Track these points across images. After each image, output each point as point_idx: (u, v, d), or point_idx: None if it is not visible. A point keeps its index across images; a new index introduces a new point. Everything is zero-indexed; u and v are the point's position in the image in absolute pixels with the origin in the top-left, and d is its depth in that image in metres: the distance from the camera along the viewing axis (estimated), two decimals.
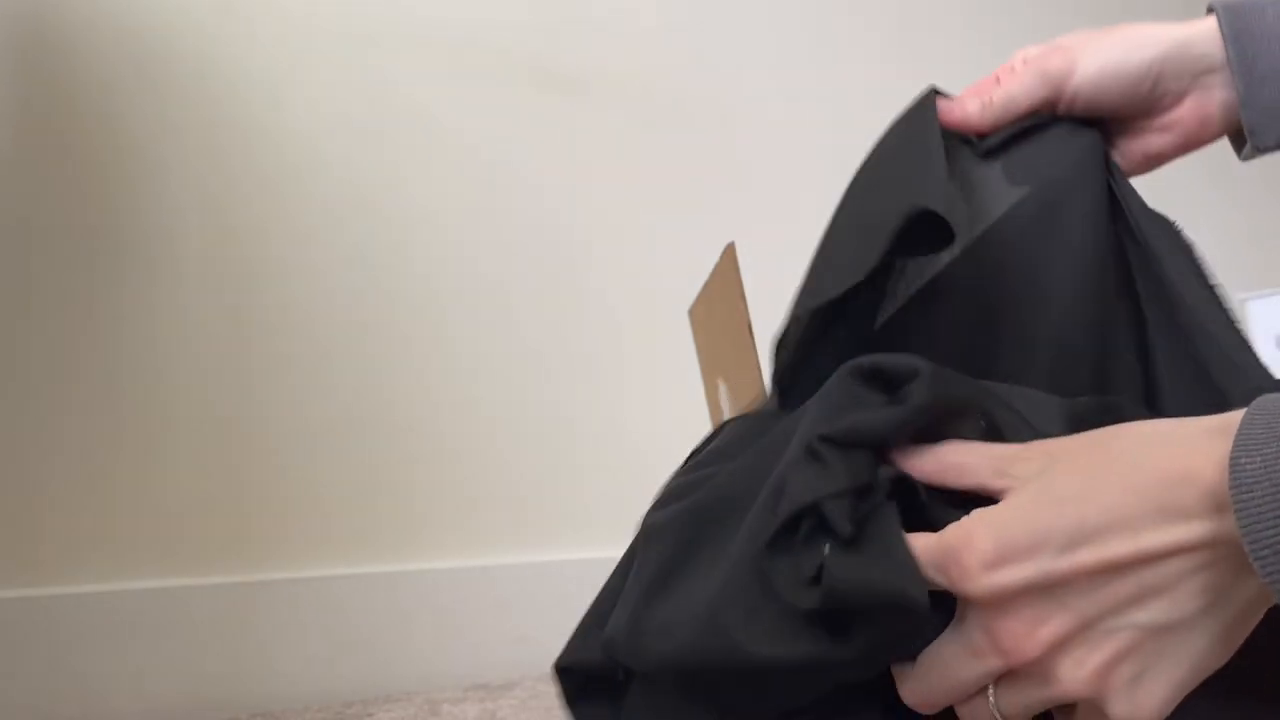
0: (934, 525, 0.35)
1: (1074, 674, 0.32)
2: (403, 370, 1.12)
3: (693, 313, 0.70)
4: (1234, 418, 0.30)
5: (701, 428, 0.50)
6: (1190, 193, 2.16)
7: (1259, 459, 0.29)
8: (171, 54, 1.02)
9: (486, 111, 1.21)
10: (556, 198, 1.25)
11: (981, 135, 0.50)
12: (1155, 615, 0.32)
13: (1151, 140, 0.52)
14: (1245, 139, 0.51)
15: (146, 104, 1.01)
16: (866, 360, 0.38)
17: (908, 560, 0.33)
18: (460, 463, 1.14)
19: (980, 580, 0.32)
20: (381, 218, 1.12)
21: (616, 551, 0.42)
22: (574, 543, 1.20)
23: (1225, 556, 0.31)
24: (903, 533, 0.34)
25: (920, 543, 0.34)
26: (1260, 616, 0.32)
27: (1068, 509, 0.32)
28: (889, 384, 0.38)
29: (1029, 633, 0.32)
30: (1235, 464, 0.29)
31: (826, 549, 0.34)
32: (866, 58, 1.57)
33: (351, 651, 1.04)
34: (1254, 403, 0.30)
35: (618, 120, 1.31)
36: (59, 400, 0.94)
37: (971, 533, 0.33)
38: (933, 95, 0.49)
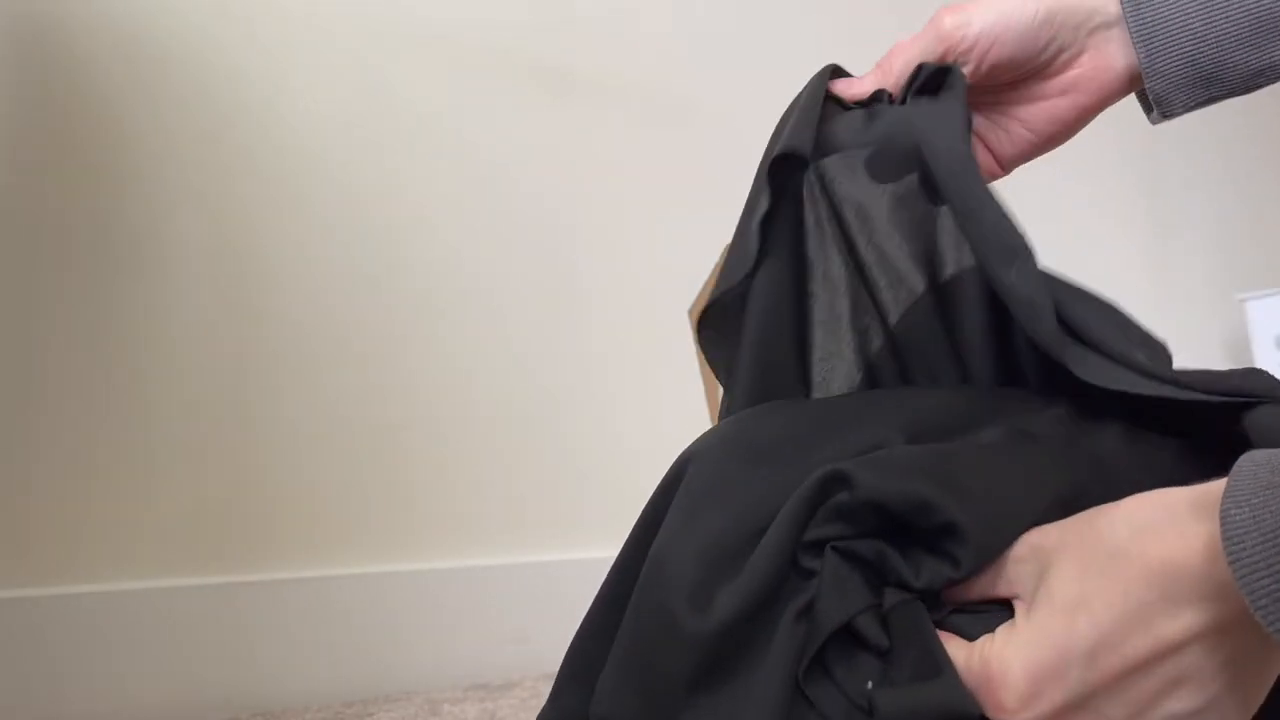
0: (950, 629, 0.36)
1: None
2: (405, 370, 1.12)
3: (692, 313, 0.71)
4: (1213, 490, 0.31)
5: (700, 427, 0.50)
6: (1190, 193, 2.16)
7: (1247, 510, 0.29)
8: (170, 55, 1.03)
9: (486, 112, 1.21)
10: (555, 197, 1.25)
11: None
12: (1186, 703, 0.32)
13: (1056, 105, 0.51)
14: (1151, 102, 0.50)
15: (145, 105, 1.01)
16: (879, 503, 0.36)
17: (954, 676, 0.34)
18: (460, 463, 1.14)
19: (1020, 716, 0.33)
20: (380, 218, 1.12)
21: (616, 551, 0.42)
22: (574, 543, 1.20)
23: (1238, 632, 0.31)
24: (939, 638, 0.35)
25: (957, 656, 0.34)
26: (1278, 669, 0.33)
27: (1081, 618, 0.32)
28: (898, 523, 0.36)
29: None
30: (1225, 516, 0.30)
31: (869, 685, 0.34)
32: (868, 60, 1.56)
33: (351, 651, 1.04)
34: (1241, 458, 0.31)
35: (617, 120, 1.31)
36: (53, 400, 0.94)
37: (1003, 665, 0.33)
38: (827, 70, 0.49)
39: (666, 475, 0.42)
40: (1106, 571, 0.32)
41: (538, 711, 0.42)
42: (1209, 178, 2.09)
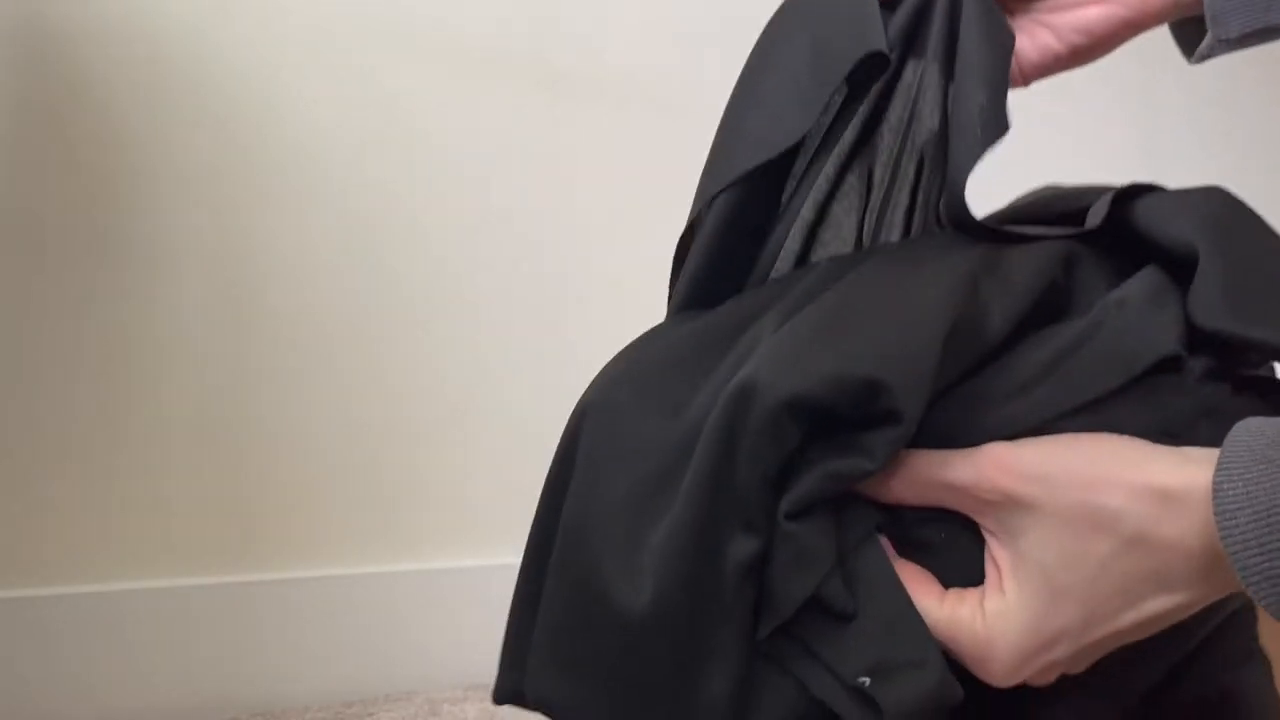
0: (917, 543, 0.36)
1: (1070, 669, 0.35)
2: (402, 370, 1.12)
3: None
4: (1205, 474, 0.31)
5: None
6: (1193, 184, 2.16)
7: (1240, 484, 0.29)
8: (168, 56, 1.02)
9: (486, 112, 1.21)
10: (555, 197, 1.25)
11: None
12: (1143, 635, 0.34)
13: (1086, 14, 0.46)
14: (1193, 37, 0.46)
15: (144, 106, 1.01)
16: (803, 400, 0.33)
17: (939, 660, 0.33)
18: (459, 463, 1.14)
19: (1005, 683, 0.35)
20: (379, 220, 1.12)
21: None
22: None
23: (1214, 594, 0.32)
24: (909, 595, 0.34)
25: (935, 617, 0.34)
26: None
27: (1073, 605, 0.33)
28: (838, 418, 0.34)
29: (1043, 680, 0.35)
30: (1218, 489, 0.30)
31: (864, 680, 0.33)
32: None
33: (351, 651, 1.04)
34: (1236, 427, 0.31)
35: (618, 120, 1.31)
36: (56, 400, 0.94)
37: (992, 641, 0.34)
38: None
39: (565, 432, 0.40)
40: (1108, 567, 0.32)
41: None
42: (1213, 172, 2.09)
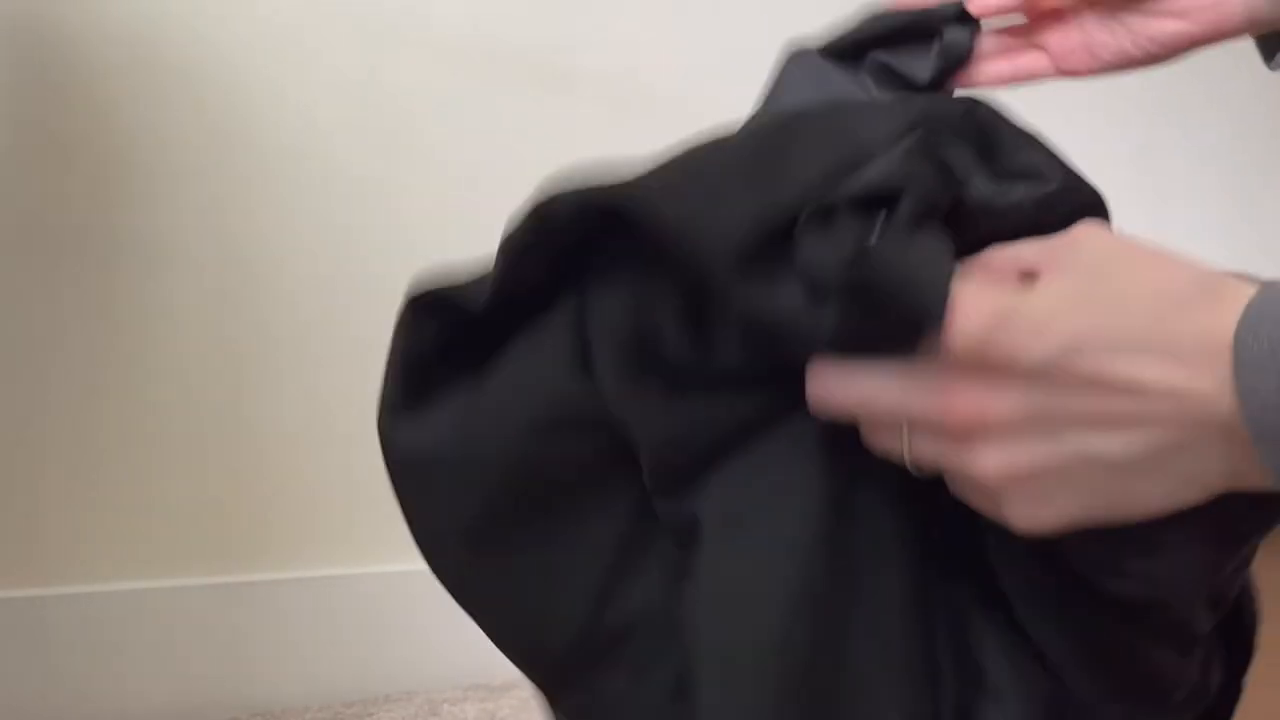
0: None
1: (990, 461, 0.31)
2: None
3: None
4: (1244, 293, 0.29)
5: None
6: (1192, 195, 2.16)
7: (1266, 342, 0.27)
8: (166, 58, 1.02)
9: (484, 113, 1.21)
10: None
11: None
12: (1101, 447, 0.30)
13: (1161, 25, 0.46)
14: (1275, 45, 0.46)
15: (142, 107, 1.01)
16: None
17: (943, 283, 0.31)
18: None
19: (968, 342, 0.31)
20: (378, 221, 1.12)
21: None
22: None
23: (1208, 431, 0.29)
24: (951, 256, 0.32)
25: (960, 278, 0.32)
26: (1214, 495, 0.31)
27: (1085, 315, 0.30)
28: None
29: (977, 404, 0.31)
30: (1240, 343, 0.28)
31: (874, 239, 0.31)
32: None
33: (351, 651, 1.04)
34: (1266, 284, 0.29)
35: (618, 120, 1.31)
36: (53, 400, 0.94)
37: (976, 300, 0.31)
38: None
39: None
40: (1143, 304, 0.30)
41: (538, 712, 0.41)
42: (1213, 164, 2.09)
